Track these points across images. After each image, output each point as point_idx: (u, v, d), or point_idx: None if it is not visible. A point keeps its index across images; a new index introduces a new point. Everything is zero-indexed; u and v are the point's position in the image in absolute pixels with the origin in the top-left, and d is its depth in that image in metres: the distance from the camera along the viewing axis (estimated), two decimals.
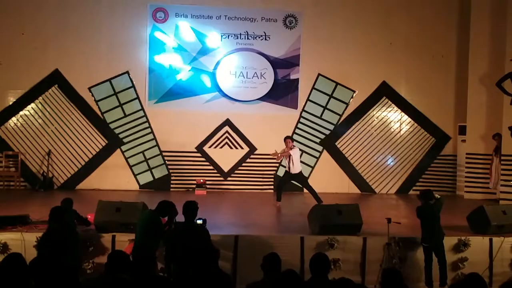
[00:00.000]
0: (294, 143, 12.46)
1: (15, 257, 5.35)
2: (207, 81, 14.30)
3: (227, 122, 14.38)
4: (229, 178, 14.37)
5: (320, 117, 14.60)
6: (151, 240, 7.35)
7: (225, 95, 14.38)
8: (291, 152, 11.84)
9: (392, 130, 14.79)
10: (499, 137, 12.99)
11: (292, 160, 11.86)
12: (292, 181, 12.37)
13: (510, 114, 12.72)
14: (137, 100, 14.20)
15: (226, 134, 14.39)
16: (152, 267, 6.68)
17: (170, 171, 14.30)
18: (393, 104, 14.75)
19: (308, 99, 14.56)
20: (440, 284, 8.23)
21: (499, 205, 11.55)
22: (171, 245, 7.12)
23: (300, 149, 14.15)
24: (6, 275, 5.08)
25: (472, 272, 5.08)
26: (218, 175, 14.39)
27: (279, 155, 12.08)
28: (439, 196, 8.57)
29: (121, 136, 14.16)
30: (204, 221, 8.07)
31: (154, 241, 7.37)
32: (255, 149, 14.32)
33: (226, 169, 14.39)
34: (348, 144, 14.68)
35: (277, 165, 14.31)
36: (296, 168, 11.93)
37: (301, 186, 12.56)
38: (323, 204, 10.67)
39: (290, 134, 14.25)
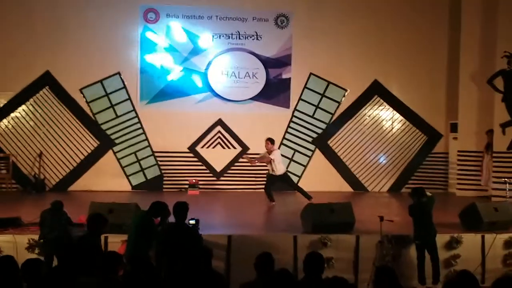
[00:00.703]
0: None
1: (7, 259, 5.33)
2: (199, 81, 14.29)
3: (219, 122, 14.38)
4: (221, 178, 14.36)
5: (312, 116, 14.62)
6: (144, 241, 7.32)
7: (217, 95, 14.37)
8: (272, 156, 11.84)
9: (384, 128, 14.83)
10: (492, 134, 13.03)
11: (274, 163, 11.88)
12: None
13: (502, 111, 12.79)
14: (128, 101, 14.17)
15: (219, 134, 14.38)
16: (149, 266, 6.57)
17: (163, 171, 14.28)
18: (384, 103, 14.80)
19: (300, 98, 14.58)
20: (433, 281, 8.25)
21: (491, 202, 11.56)
22: (161, 246, 7.11)
23: (292, 148, 14.28)
24: None
25: (462, 270, 5.09)
26: (210, 175, 14.38)
27: (256, 161, 12.09)
28: (430, 194, 8.60)
29: (113, 137, 14.13)
30: (197, 221, 8.05)
31: (147, 242, 7.34)
32: (248, 148, 14.30)
33: (218, 169, 14.38)
34: (341, 143, 14.71)
35: None
36: (279, 169, 11.94)
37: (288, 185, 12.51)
38: (316, 202, 10.66)
39: (282, 134, 14.39)
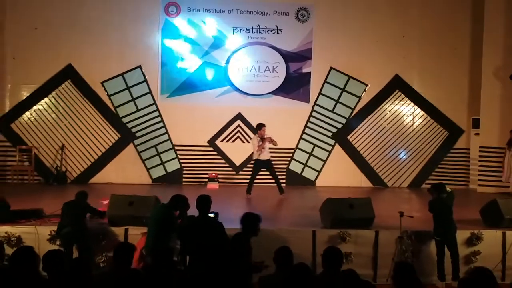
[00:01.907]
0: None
1: (26, 250, 5.40)
2: (219, 75, 14.32)
3: (239, 116, 14.40)
4: (241, 172, 14.38)
5: (332, 111, 14.58)
6: (165, 233, 7.37)
7: (237, 89, 14.39)
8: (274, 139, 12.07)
9: (404, 123, 14.74)
10: None
11: (264, 147, 12.04)
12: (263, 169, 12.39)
13: None
14: (149, 95, 14.25)
15: (238, 128, 14.40)
16: (171, 259, 6.59)
17: (182, 165, 14.35)
18: (406, 97, 14.70)
19: (320, 93, 14.54)
20: (453, 277, 8.19)
21: None
22: (186, 239, 7.11)
23: (312, 143, 14.32)
24: (17, 268, 5.12)
25: (478, 266, 5.04)
26: (230, 169, 14.42)
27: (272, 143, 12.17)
28: (450, 190, 8.53)
29: (133, 130, 14.23)
30: (216, 214, 8.09)
31: (167, 234, 7.40)
32: None
33: (238, 163, 14.41)
34: (361, 138, 14.65)
35: (289, 158, 14.36)
36: (267, 154, 12.11)
37: (269, 173, 12.45)
38: (335, 198, 10.65)
39: (302, 128, 14.46)
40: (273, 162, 12.39)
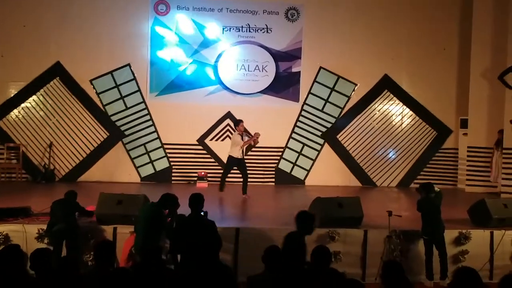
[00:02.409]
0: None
1: (14, 248, 5.36)
2: (208, 73, 14.29)
3: (229, 115, 14.37)
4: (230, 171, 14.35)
5: (321, 110, 14.59)
6: (154, 232, 7.34)
7: (227, 88, 14.37)
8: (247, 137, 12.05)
9: (393, 123, 14.78)
10: (503, 133, 12.93)
11: (243, 145, 12.03)
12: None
13: None
14: (138, 93, 14.20)
15: (228, 127, 14.38)
16: (160, 257, 6.55)
17: (172, 163, 14.31)
18: (394, 97, 14.73)
19: (309, 92, 14.55)
20: (441, 276, 8.24)
21: (500, 198, 11.53)
22: (178, 237, 7.08)
23: (301, 142, 14.34)
24: (4, 266, 5.09)
25: (464, 266, 5.05)
26: (219, 167, 14.38)
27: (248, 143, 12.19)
28: (438, 189, 8.58)
29: (122, 128, 14.17)
30: (205, 213, 8.06)
31: (157, 233, 7.37)
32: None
33: None
34: (350, 137, 14.68)
35: (279, 158, 14.37)
36: (241, 152, 12.06)
37: (241, 172, 12.28)
38: (324, 197, 10.66)
39: (291, 127, 14.41)
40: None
